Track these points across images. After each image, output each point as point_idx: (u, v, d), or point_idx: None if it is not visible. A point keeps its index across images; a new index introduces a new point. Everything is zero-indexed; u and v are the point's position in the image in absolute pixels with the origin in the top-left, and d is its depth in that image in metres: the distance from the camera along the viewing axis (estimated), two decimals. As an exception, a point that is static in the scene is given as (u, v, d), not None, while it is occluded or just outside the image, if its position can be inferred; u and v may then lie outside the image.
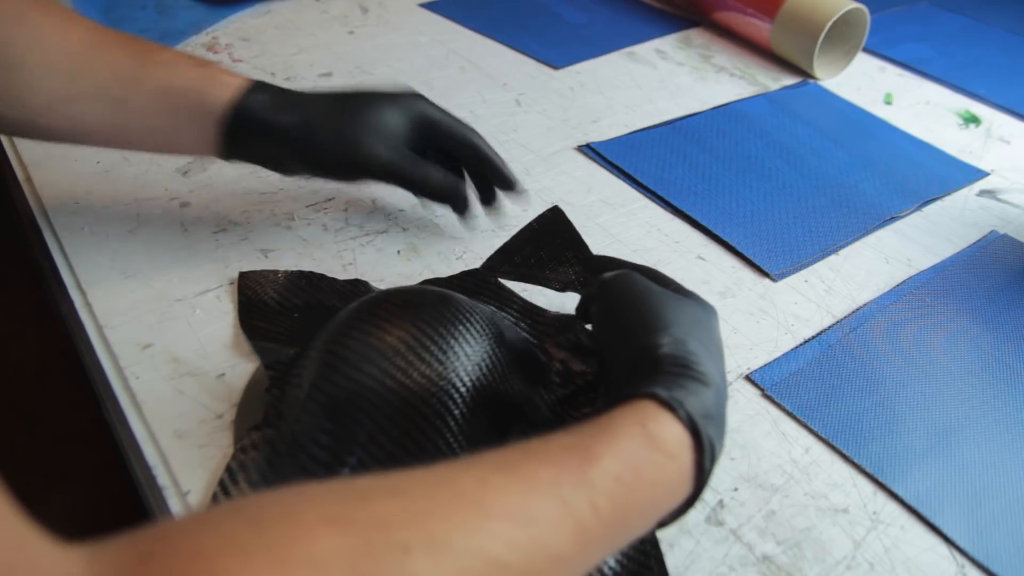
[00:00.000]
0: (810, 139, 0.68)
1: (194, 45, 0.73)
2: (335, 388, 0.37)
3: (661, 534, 0.37)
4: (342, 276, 0.49)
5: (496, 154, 0.51)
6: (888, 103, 0.75)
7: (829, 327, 0.49)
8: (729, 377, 0.45)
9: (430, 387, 0.36)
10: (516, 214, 0.56)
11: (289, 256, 0.50)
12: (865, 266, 0.55)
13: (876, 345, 0.48)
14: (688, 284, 0.51)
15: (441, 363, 0.36)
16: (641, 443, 0.30)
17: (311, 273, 0.49)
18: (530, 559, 0.25)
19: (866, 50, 0.83)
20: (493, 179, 0.52)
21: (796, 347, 0.47)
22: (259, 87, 0.46)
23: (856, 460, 0.41)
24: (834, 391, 0.45)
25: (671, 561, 0.36)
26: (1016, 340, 0.50)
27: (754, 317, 0.50)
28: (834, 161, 0.65)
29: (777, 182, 0.62)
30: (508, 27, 0.82)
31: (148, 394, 0.41)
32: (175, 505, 0.37)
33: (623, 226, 0.56)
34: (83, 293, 0.46)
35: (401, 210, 0.55)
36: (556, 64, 0.76)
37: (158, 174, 0.57)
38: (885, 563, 0.37)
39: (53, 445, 0.66)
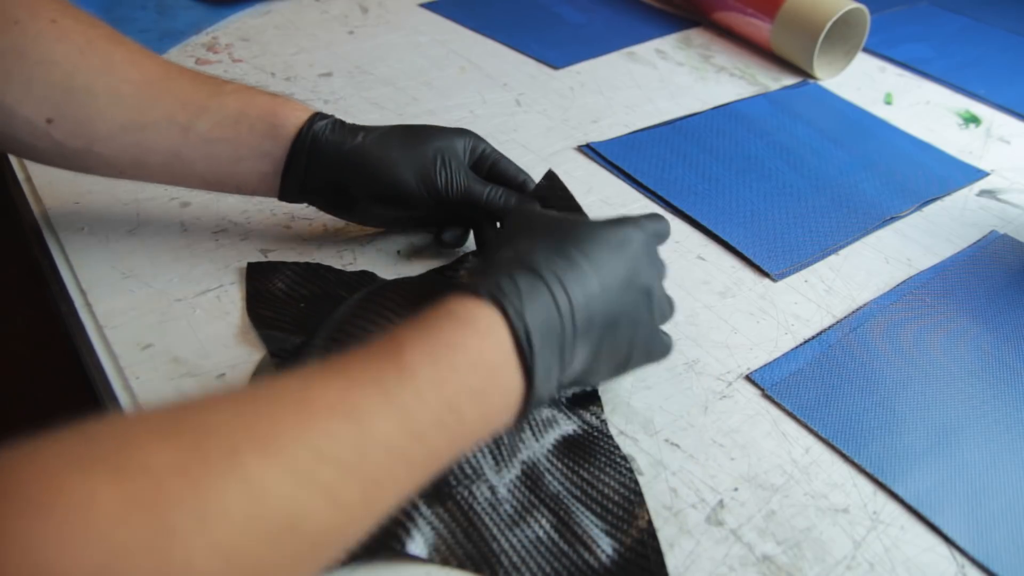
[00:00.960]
0: (810, 139, 0.68)
1: (194, 45, 0.73)
2: None
3: (661, 534, 0.37)
4: (342, 276, 0.49)
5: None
6: (888, 103, 0.75)
7: (829, 327, 0.49)
8: (729, 377, 0.45)
9: None
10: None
11: (289, 256, 0.50)
12: (865, 266, 0.55)
13: (876, 345, 0.48)
14: (688, 284, 0.51)
15: None
16: (449, 325, 0.31)
17: (318, 264, 0.49)
18: (360, 450, 0.26)
19: (866, 50, 0.83)
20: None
21: (796, 347, 0.47)
22: (322, 120, 0.46)
23: (856, 460, 0.41)
24: (834, 391, 0.45)
25: (671, 561, 0.36)
26: (1016, 340, 0.50)
27: (754, 317, 0.50)
28: (834, 161, 0.65)
29: (777, 182, 0.62)
30: (508, 27, 0.82)
31: (148, 394, 0.41)
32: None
33: (623, 226, 0.56)
34: (83, 293, 0.46)
35: (401, 210, 0.55)
36: (556, 64, 0.76)
37: (158, 174, 0.57)
38: (885, 563, 0.37)
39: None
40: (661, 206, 0.59)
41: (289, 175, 0.45)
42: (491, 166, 0.49)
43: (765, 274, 0.53)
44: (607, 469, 0.39)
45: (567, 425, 0.41)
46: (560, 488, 0.38)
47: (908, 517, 0.39)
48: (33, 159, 0.45)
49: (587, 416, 0.42)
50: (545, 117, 0.68)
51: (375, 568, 0.35)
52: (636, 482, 0.39)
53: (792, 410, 0.43)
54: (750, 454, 0.41)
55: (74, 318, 0.46)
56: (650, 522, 0.37)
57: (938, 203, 0.62)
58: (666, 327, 0.48)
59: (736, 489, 0.39)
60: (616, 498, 0.38)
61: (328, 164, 0.45)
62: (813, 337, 0.48)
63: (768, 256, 0.54)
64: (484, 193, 0.47)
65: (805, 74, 0.78)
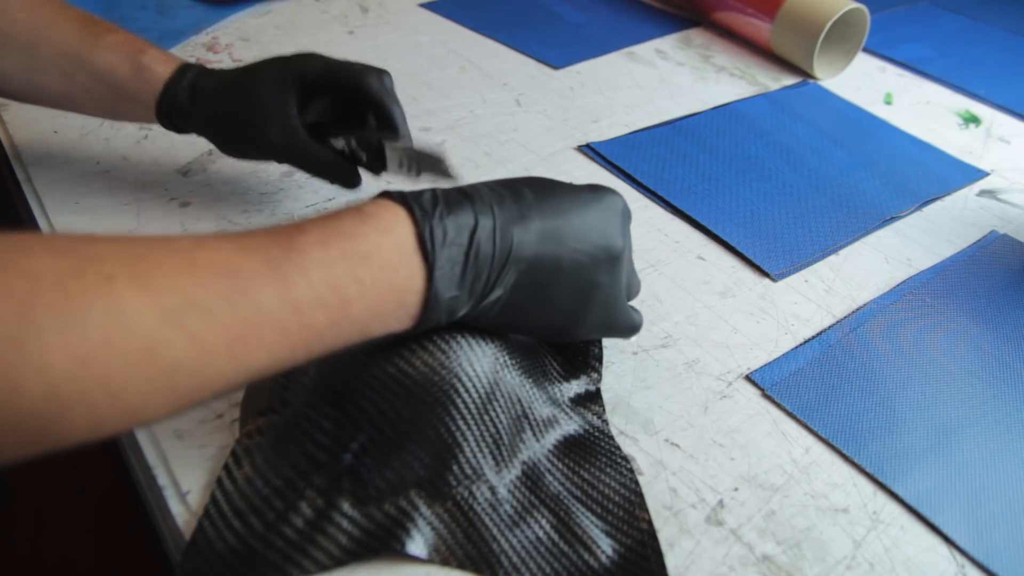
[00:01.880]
0: (810, 139, 0.68)
1: (194, 45, 0.73)
2: (339, 375, 0.37)
3: (661, 534, 0.37)
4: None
5: (392, 104, 0.48)
6: (888, 103, 0.75)
7: (829, 327, 0.49)
8: (729, 377, 0.45)
9: (432, 375, 0.36)
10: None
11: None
12: (865, 266, 0.55)
13: (876, 345, 0.48)
14: (688, 284, 0.51)
15: (443, 351, 0.36)
16: (351, 218, 0.32)
17: None
18: (231, 306, 0.28)
19: (866, 50, 0.83)
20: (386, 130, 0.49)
21: (796, 347, 0.47)
22: (179, 78, 0.47)
23: (856, 460, 0.41)
24: (834, 391, 0.45)
25: (671, 561, 0.36)
26: (1016, 340, 0.50)
27: (754, 317, 0.50)
28: (834, 161, 0.65)
29: (777, 182, 0.62)
30: (508, 27, 0.82)
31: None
32: (175, 505, 0.37)
33: (623, 226, 0.56)
34: (83, 293, 0.46)
35: (401, 210, 0.55)
36: (556, 64, 0.76)
37: (158, 174, 0.57)
38: (885, 563, 0.37)
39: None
40: (661, 206, 0.59)
41: (164, 122, 0.49)
42: (326, 88, 0.48)
43: (765, 274, 0.53)
44: (608, 470, 0.39)
45: (568, 425, 0.41)
46: (560, 488, 0.38)
47: (908, 517, 0.39)
48: None
49: (589, 416, 0.42)
50: (545, 117, 0.68)
51: (375, 568, 0.35)
52: (636, 483, 0.39)
53: (792, 410, 0.43)
54: (750, 454, 0.41)
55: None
56: (650, 523, 0.37)
57: (938, 203, 0.62)
58: (665, 326, 0.48)
59: (736, 489, 0.39)
60: (616, 499, 0.38)
61: (192, 121, 0.49)
62: (813, 337, 0.48)
63: (768, 256, 0.54)
64: (300, 159, 0.48)
65: (805, 74, 0.78)
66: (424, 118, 0.66)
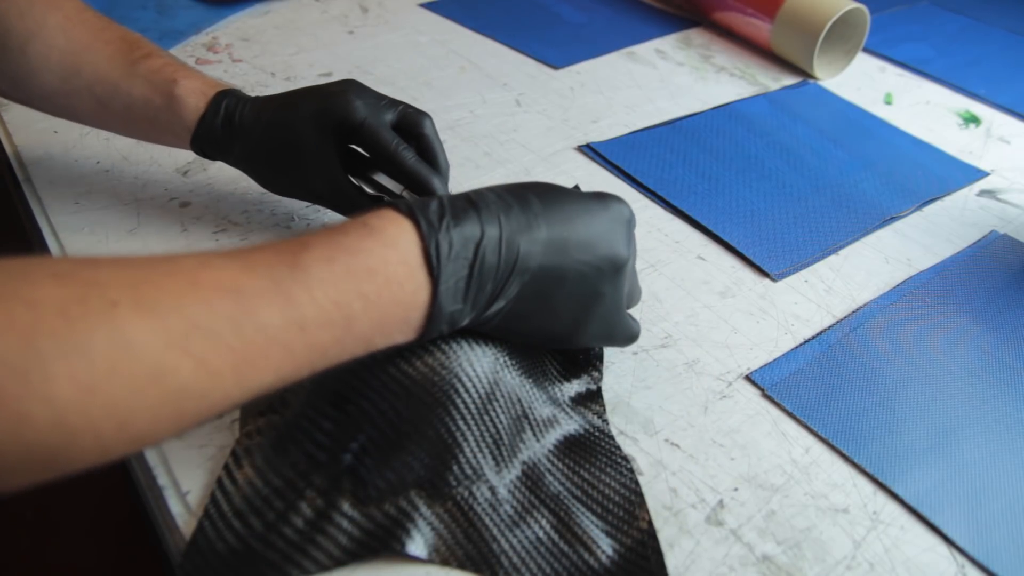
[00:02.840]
0: (810, 139, 0.68)
1: (194, 45, 0.73)
2: (339, 376, 0.37)
3: (661, 534, 0.37)
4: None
5: (426, 171, 0.46)
6: (888, 103, 0.75)
7: (829, 327, 0.49)
8: (729, 377, 0.45)
9: (432, 376, 0.36)
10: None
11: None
12: (865, 266, 0.55)
13: (876, 345, 0.48)
14: (688, 284, 0.51)
15: (443, 352, 0.37)
16: (356, 232, 0.32)
17: None
18: (237, 327, 0.28)
19: (866, 50, 0.83)
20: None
21: (796, 347, 0.47)
22: (213, 114, 0.46)
23: (856, 460, 0.41)
24: (834, 391, 0.45)
25: (671, 561, 0.36)
26: (1016, 340, 0.50)
27: (754, 317, 0.50)
28: (834, 161, 0.65)
29: (777, 182, 0.62)
30: (508, 27, 0.82)
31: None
32: (175, 505, 0.37)
33: (623, 226, 0.56)
34: (83, 293, 0.46)
35: (401, 210, 0.55)
36: (556, 64, 0.76)
37: (158, 174, 0.57)
38: (885, 563, 0.37)
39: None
40: (661, 206, 0.59)
41: (200, 153, 0.48)
42: (360, 141, 0.46)
43: (765, 274, 0.53)
44: (608, 469, 0.39)
45: (568, 425, 0.41)
46: (560, 488, 0.38)
47: (908, 517, 0.39)
48: None
49: (589, 416, 0.42)
50: (545, 117, 0.68)
51: (375, 568, 0.35)
52: (637, 483, 0.39)
53: (792, 410, 0.43)
54: (750, 454, 0.41)
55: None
56: (650, 523, 0.37)
57: (938, 203, 0.62)
58: (665, 326, 0.48)
59: (736, 489, 0.39)
60: (617, 499, 0.38)
61: (229, 156, 0.48)
62: (813, 337, 0.48)
63: (768, 256, 0.54)
64: (337, 206, 0.48)
65: (805, 74, 0.78)
66: (424, 118, 0.66)
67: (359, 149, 0.48)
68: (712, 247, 0.55)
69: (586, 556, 0.35)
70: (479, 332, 0.38)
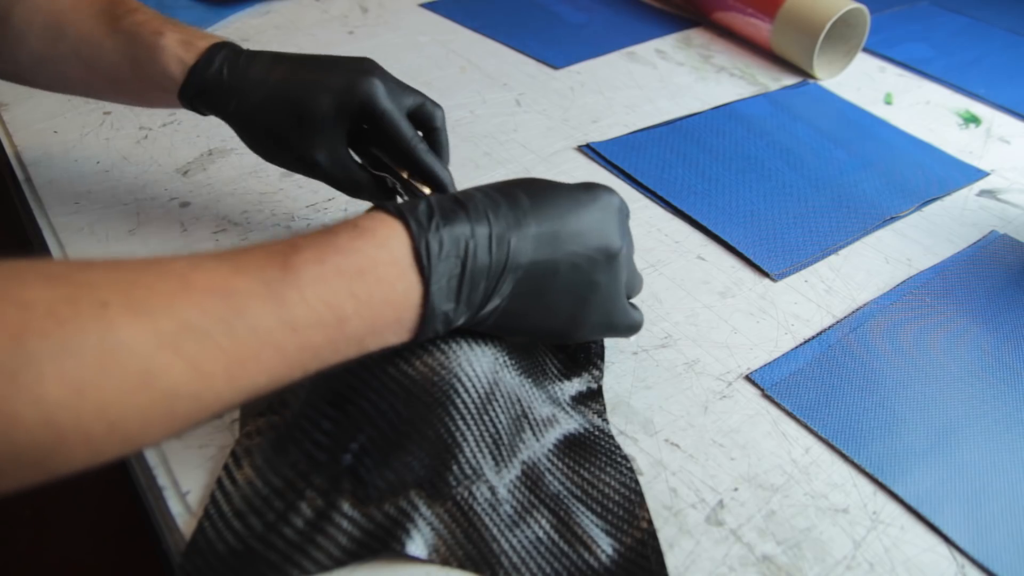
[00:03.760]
0: (810, 139, 0.68)
1: (194, 45, 0.73)
2: (339, 376, 0.37)
3: (661, 534, 0.37)
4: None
5: (438, 166, 0.45)
6: (888, 103, 0.75)
7: (829, 327, 0.49)
8: (729, 377, 0.45)
9: (431, 376, 0.36)
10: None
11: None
12: (865, 266, 0.55)
13: (876, 345, 0.48)
14: (688, 284, 0.51)
15: (443, 352, 0.37)
16: (347, 233, 0.32)
17: None
18: (228, 329, 0.28)
19: (866, 50, 0.83)
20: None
21: (796, 347, 0.47)
22: (205, 65, 0.44)
23: (856, 460, 0.41)
24: (834, 391, 0.45)
25: (671, 561, 0.36)
26: (1016, 340, 0.50)
27: (754, 317, 0.50)
28: (834, 161, 0.65)
29: (777, 182, 0.62)
30: (508, 27, 0.82)
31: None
32: (175, 505, 0.37)
33: (623, 226, 0.56)
34: (83, 293, 0.46)
35: (401, 210, 0.55)
36: (556, 64, 0.76)
37: (158, 174, 0.57)
38: (885, 563, 0.37)
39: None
40: (661, 206, 0.59)
41: (190, 107, 0.47)
42: (375, 127, 0.45)
43: (765, 274, 0.53)
44: (608, 469, 0.39)
45: (568, 424, 0.41)
46: (560, 488, 0.38)
47: (908, 517, 0.39)
48: None
49: (589, 415, 0.42)
50: (545, 117, 0.68)
51: (375, 568, 0.35)
52: (637, 482, 0.39)
53: (792, 410, 0.43)
54: (750, 454, 0.41)
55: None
56: (650, 522, 0.37)
57: (938, 203, 0.62)
58: (665, 326, 0.48)
59: (736, 489, 0.39)
60: (616, 498, 0.38)
61: (222, 111, 0.46)
62: (813, 337, 0.48)
63: (768, 256, 0.54)
64: (341, 183, 0.46)
65: (805, 74, 0.78)
66: (424, 118, 0.66)
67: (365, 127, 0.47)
68: (712, 247, 0.55)
69: (586, 556, 0.35)
70: (478, 332, 0.38)
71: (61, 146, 0.58)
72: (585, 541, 0.36)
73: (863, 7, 0.75)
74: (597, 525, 0.37)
